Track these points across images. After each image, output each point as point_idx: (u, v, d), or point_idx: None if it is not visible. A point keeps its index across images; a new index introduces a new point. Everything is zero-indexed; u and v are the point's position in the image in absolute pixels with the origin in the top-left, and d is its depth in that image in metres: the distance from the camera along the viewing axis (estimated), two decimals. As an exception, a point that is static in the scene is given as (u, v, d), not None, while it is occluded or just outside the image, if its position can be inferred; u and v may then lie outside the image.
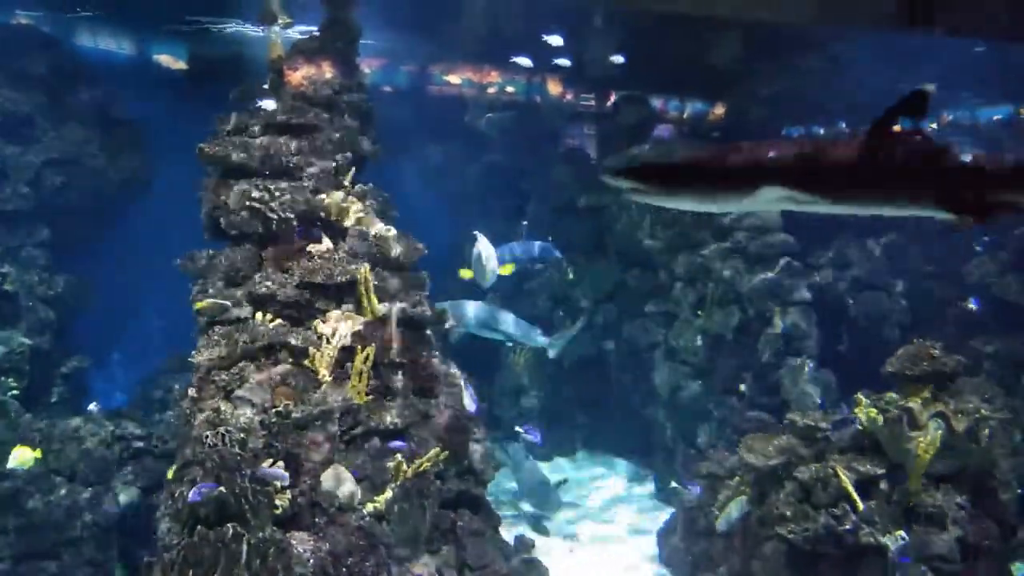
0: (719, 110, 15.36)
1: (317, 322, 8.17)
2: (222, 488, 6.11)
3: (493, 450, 11.05)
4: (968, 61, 12.24)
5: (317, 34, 10.36)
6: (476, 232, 10.85)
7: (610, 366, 15.01)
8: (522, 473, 11.86)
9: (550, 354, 12.87)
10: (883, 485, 8.30)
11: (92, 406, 11.09)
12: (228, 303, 8.17)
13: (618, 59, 12.66)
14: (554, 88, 16.22)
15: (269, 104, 9.40)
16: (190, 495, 6.05)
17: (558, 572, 9.99)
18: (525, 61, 12.77)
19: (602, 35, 13.38)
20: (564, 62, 12.54)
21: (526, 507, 10.82)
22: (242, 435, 6.80)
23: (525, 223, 11.97)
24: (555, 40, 12.11)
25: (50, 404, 11.94)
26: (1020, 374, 11.46)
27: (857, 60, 12.82)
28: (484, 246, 10.81)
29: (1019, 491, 9.60)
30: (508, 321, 12.20)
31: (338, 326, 8.04)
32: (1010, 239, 12.58)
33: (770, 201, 3.35)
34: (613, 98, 15.57)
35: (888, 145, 3.16)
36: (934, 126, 15.77)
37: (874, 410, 8.40)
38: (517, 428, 12.73)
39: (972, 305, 11.62)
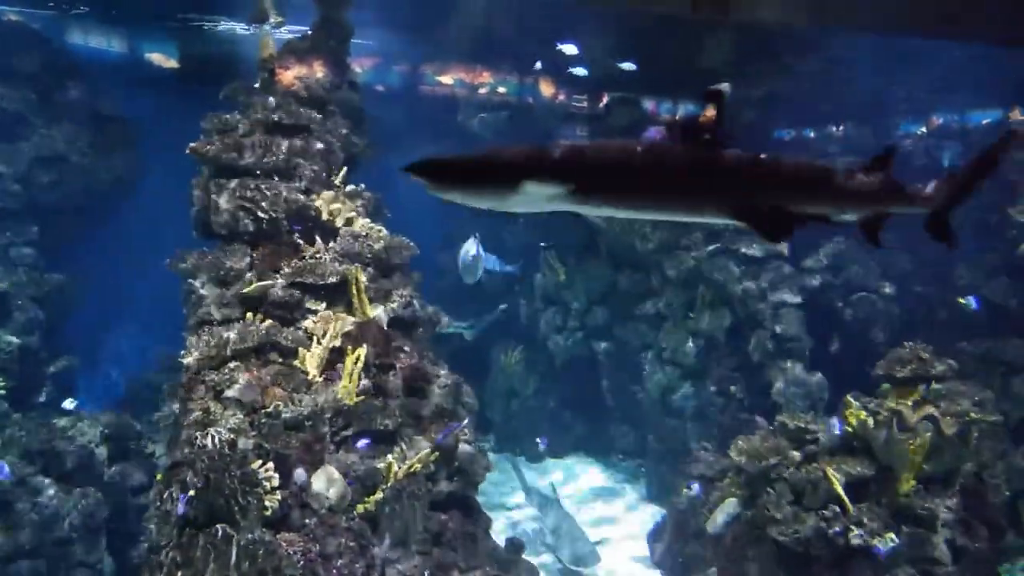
0: (711, 112, 15.37)
1: (308, 322, 8.15)
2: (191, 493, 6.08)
3: (529, 497, 10.80)
4: (963, 65, 12.29)
5: (309, 33, 10.33)
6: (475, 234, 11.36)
7: (602, 368, 15.01)
8: (557, 527, 11.34)
9: (467, 336, 13.01)
10: (873, 487, 8.32)
11: (67, 403, 10.99)
12: (272, 283, 8.17)
13: (629, 66, 12.56)
14: (546, 89, 16.22)
15: (271, 101, 9.36)
16: (178, 507, 6.02)
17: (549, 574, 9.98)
18: (539, 65, 12.74)
19: (595, 37, 13.38)
20: (580, 71, 12.50)
21: (564, 558, 10.66)
22: (232, 436, 6.77)
23: (477, 234, 12.06)
24: (569, 49, 12.08)
25: (38, 404, 11.85)
26: (1009, 377, 11.51)
27: (853, 62, 12.86)
28: (472, 247, 11.08)
29: (1008, 494, 9.63)
30: None
31: (329, 327, 8.02)
32: (999, 243, 12.64)
33: (542, 199, 3.16)
34: (605, 99, 15.58)
35: (682, 151, 3.04)
36: (923, 130, 15.85)
37: (864, 412, 8.42)
38: (536, 440, 12.72)
39: (972, 304, 11.51)
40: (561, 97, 16.27)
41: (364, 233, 9.04)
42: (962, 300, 11.58)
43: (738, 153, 3.07)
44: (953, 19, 4.19)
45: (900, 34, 8.75)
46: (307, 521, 6.94)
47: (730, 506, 9.23)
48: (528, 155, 3.09)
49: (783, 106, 14.37)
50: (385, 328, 8.51)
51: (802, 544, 8.17)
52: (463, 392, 9.16)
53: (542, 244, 14.61)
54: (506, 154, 3.12)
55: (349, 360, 7.70)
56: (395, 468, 7.49)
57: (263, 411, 7.23)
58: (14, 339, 11.66)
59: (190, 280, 8.65)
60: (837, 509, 8.16)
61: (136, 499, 10.05)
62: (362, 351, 7.76)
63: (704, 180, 3.06)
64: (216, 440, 6.62)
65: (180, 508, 6.02)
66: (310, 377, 7.73)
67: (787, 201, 3.14)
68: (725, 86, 3.08)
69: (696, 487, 10.24)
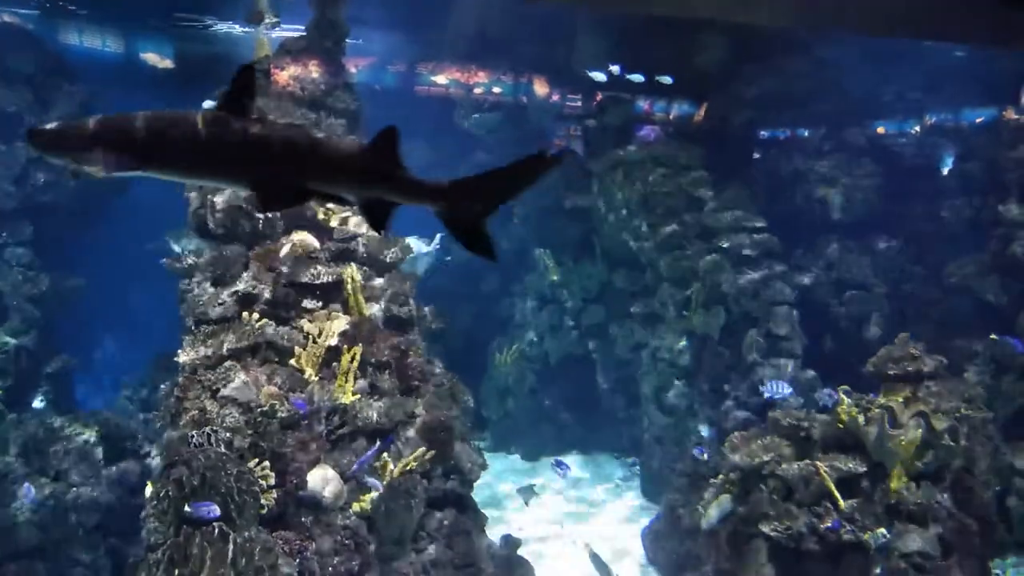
0: (704, 111, 15.43)
1: (304, 321, 8.19)
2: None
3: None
4: (957, 63, 12.39)
5: (304, 33, 10.37)
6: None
7: (597, 366, 15.08)
8: None
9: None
10: (865, 483, 8.39)
11: (37, 401, 10.94)
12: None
13: (666, 79, 12.60)
14: (541, 88, 16.26)
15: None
16: (197, 511, 6.06)
17: (544, 571, 10.04)
18: (599, 76, 12.73)
19: (590, 37, 13.45)
20: (638, 77, 12.54)
21: None
22: (228, 435, 6.81)
23: (441, 235, 12.20)
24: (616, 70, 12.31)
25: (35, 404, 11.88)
26: (1000, 374, 11.60)
27: (842, 62, 12.94)
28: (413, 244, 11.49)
29: (998, 489, 9.71)
30: None
31: (324, 326, 8.06)
32: (991, 240, 12.73)
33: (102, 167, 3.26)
34: (599, 99, 15.62)
35: (213, 122, 3.12)
36: (917, 129, 15.93)
37: (856, 409, 8.49)
38: (555, 461, 12.85)
39: (1017, 348, 11.32)
40: (555, 97, 16.32)
41: (359, 232, 9.09)
42: (994, 336, 11.47)
43: (254, 126, 3.16)
44: (941, 22, 4.25)
45: (889, 36, 8.81)
46: (304, 519, 6.99)
47: (724, 503, 9.29)
48: (98, 126, 3.14)
49: (776, 105, 14.43)
50: (380, 327, 8.56)
51: (794, 540, 8.24)
52: (459, 390, 9.22)
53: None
54: (81, 123, 3.17)
55: (345, 359, 7.75)
56: (390, 466, 7.54)
57: (259, 410, 7.27)
58: (10, 339, 11.69)
59: (187, 279, 8.69)
60: (829, 505, 8.24)
61: (133, 498, 10.06)
62: (358, 350, 7.81)
63: (223, 150, 3.16)
64: (213, 439, 6.66)
65: (210, 513, 6.07)
66: (306, 376, 7.77)
67: (294, 176, 3.20)
68: (259, 65, 3.25)
69: (706, 430, 10.09)
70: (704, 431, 10.28)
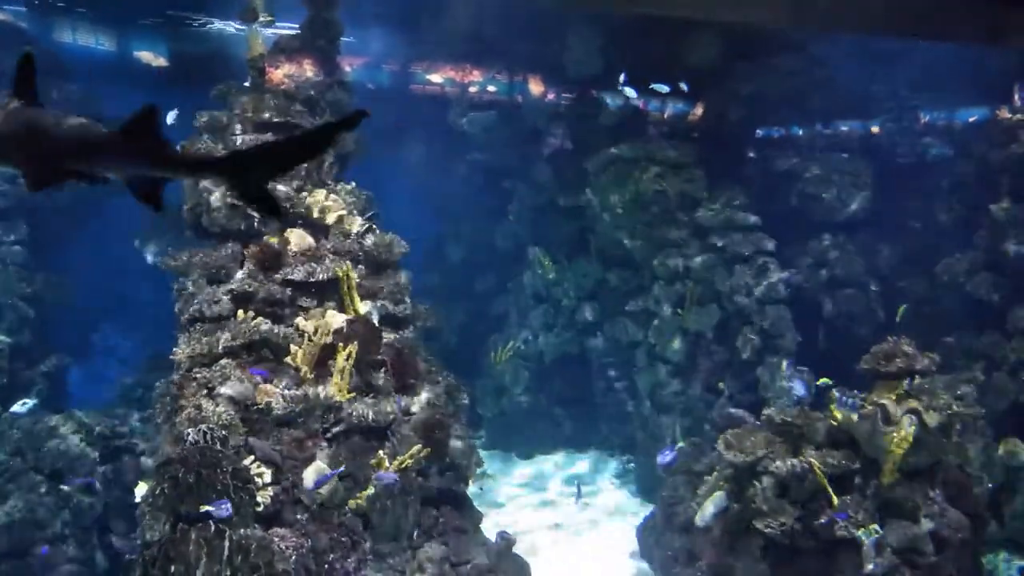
0: (699, 110, 15.48)
1: (299, 319, 8.21)
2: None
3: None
4: (945, 63, 12.44)
5: (299, 32, 10.37)
6: None
7: (592, 364, 15.12)
8: None
9: None
10: (858, 480, 8.44)
11: (18, 405, 10.88)
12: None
13: (682, 87, 12.65)
14: (535, 87, 16.28)
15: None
16: (219, 509, 6.07)
17: (540, 568, 10.06)
18: (630, 92, 12.76)
19: (583, 35, 13.47)
20: (662, 87, 12.57)
21: None
22: (224, 432, 6.82)
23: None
24: (662, 88, 12.46)
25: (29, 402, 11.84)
26: (991, 371, 11.67)
27: (836, 60, 12.99)
28: None
29: (990, 485, 9.78)
30: None
31: (320, 324, 8.07)
32: (982, 238, 12.80)
33: None
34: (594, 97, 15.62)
35: None
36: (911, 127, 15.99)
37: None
38: (575, 483, 12.98)
39: None
40: (550, 95, 16.34)
41: (355, 231, 9.10)
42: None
43: (16, 111, 3.23)
44: (929, 19, 4.30)
45: (880, 35, 8.86)
46: (299, 517, 7.02)
47: (718, 499, 9.33)
48: None
49: (770, 104, 14.49)
50: (376, 325, 8.58)
51: (788, 536, 8.29)
52: (454, 388, 9.25)
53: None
54: None
55: (340, 357, 7.76)
56: (386, 464, 7.56)
57: (255, 408, 7.29)
58: (5, 338, 11.68)
59: (182, 278, 8.69)
60: (823, 501, 8.28)
61: (128, 496, 10.07)
62: (353, 348, 7.82)
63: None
64: (208, 436, 6.68)
65: (225, 512, 6.10)
66: (302, 374, 7.79)
67: (51, 158, 3.28)
68: (29, 48, 3.35)
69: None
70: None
